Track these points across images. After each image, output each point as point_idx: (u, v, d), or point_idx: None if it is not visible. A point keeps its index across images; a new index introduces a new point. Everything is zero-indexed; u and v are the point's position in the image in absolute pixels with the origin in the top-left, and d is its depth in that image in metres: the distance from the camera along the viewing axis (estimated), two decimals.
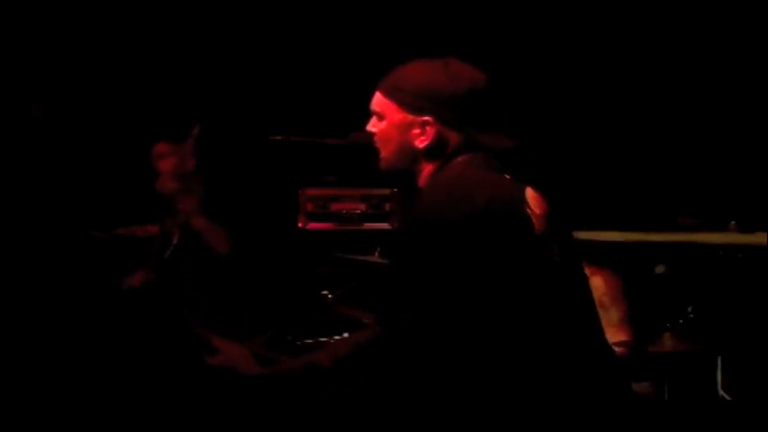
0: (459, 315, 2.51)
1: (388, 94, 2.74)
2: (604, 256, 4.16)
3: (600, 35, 5.51)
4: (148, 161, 4.39)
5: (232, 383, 2.69)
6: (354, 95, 3.00)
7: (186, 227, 4.27)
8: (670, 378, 4.21)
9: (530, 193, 2.64)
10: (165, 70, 5.38)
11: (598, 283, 3.93)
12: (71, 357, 3.31)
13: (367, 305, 3.94)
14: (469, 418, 2.51)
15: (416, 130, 2.70)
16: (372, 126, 2.77)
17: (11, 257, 4.17)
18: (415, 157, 2.72)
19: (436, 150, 2.70)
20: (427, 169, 2.71)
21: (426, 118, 2.69)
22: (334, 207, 4.74)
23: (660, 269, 4.56)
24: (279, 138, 2.92)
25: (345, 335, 3.30)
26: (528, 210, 2.60)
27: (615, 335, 3.82)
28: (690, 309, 4.29)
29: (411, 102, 2.70)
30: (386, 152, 2.74)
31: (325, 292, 4.16)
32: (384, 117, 2.74)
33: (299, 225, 4.77)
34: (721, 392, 4.37)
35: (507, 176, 2.66)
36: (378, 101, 2.76)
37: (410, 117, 2.71)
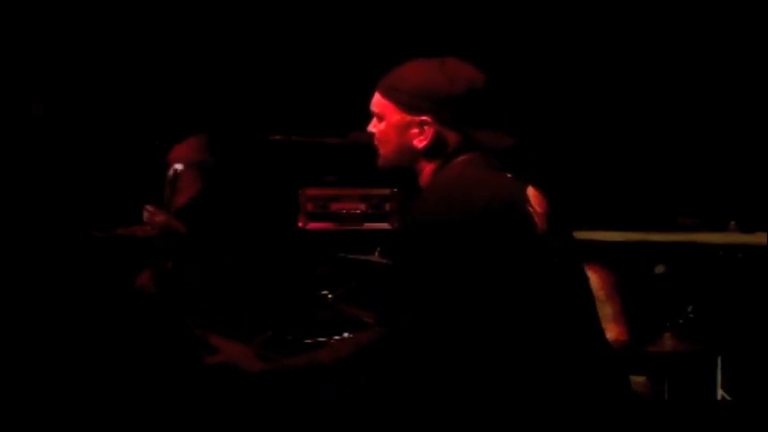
0: (459, 314, 2.52)
1: (386, 94, 2.74)
2: (599, 253, 4.16)
3: (600, 35, 5.50)
4: (148, 161, 4.39)
5: (233, 382, 2.69)
6: (354, 95, 3.00)
7: (187, 226, 4.26)
8: (670, 378, 4.21)
9: (531, 191, 2.64)
10: (165, 70, 5.38)
11: (593, 278, 3.93)
12: (71, 357, 3.31)
13: (367, 305, 3.93)
14: (470, 418, 2.51)
15: (415, 130, 2.70)
16: (373, 127, 2.77)
17: (11, 257, 4.17)
18: (415, 157, 2.72)
19: (436, 150, 2.69)
20: (428, 169, 2.71)
21: (424, 118, 2.69)
22: (334, 207, 4.74)
23: (660, 269, 4.56)
24: (279, 138, 2.93)
25: (346, 335, 3.31)
26: (529, 208, 2.60)
27: (609, 330, 3.82)
28: (690, 309, 4.29)
29: (408, 102, 2.70)
30: (385, 152, 2.74)
31: (325, 292, 4.16)
32: (383, 118, 2.74)
33: (299, 225, 4.78)
34: (721, 392, 4.38)
35: (508, 175, 2.66)
36: (377, 101, 2.76)
37: (408, 117, 2.71)
